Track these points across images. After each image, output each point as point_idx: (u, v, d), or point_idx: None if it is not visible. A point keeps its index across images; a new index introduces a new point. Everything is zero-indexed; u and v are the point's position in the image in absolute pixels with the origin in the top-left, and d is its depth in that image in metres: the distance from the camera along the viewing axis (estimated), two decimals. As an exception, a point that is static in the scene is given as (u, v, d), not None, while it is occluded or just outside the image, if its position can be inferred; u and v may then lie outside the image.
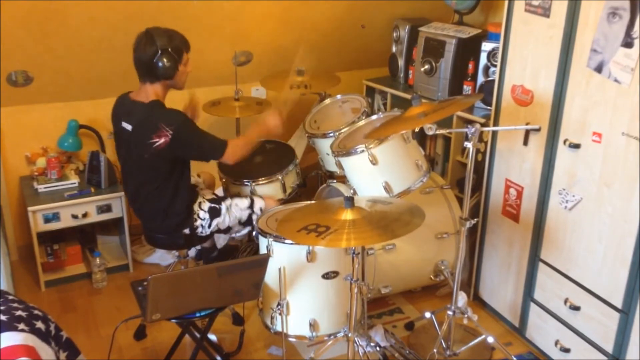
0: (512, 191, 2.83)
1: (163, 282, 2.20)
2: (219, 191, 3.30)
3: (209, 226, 2.82)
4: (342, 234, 2.06)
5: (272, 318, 2.64)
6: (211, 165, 3.08)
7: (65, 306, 3.24)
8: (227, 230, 2.89)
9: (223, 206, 2.85)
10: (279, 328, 2.63)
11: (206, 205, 2.83)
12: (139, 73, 2.63)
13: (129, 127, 2.64)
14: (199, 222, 2.80)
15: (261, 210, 2.90)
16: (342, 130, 3.02)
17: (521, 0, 2.60)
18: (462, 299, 2.70)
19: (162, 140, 2.55)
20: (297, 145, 3.60)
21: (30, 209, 3.20)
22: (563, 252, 2.59)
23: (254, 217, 2.88)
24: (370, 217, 2.18)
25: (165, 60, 2.56)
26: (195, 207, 2.80)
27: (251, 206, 2.91)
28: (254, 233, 2.96)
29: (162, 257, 3.61)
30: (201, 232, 2.83)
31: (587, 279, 2.49)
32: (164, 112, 2.62)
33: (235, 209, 2.87)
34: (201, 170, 3.27)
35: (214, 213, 2.83)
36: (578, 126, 2.41)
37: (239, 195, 3.04)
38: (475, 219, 2.63)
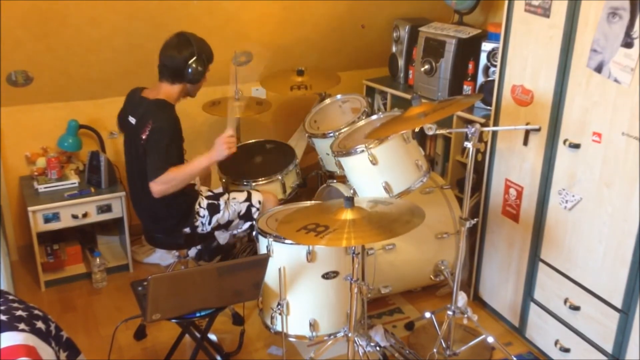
0: (512, 191, 2.83)
1: (163, 282, 2.20)
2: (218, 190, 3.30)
3: (209, 223, 2.83)
4: (341, 234, 2.06)
5: (272, 318, 2.65)
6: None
7: (65, 306, 3.24)
8: (228, 225, 2.89)
9: (221, 201, 2.86)
10: (279, 328, 2.63)
11: (204, 203, 2.84)
12: (162, 72, 2.67)
13: (133, 121, 2.67)
14: (199, 221, 2.81)
15: (259, 202, 2.91)
16: (342, 130, 3.02)
17: (521, 0, 2.60)
18: (462, 299, 2.70)
19: (144, 136, 2.59)
20: (297, 145, 3.60)
21: (30, 209, 3.19)
22: (563, 252, 2.59)
23: (253, 210, 2.89)
24: (370, 217, 2.18)
25: (198, 65, 2.63)
26: (196, 206, 2.81)
27: (249, 199, 2.91)
28: (254, 233, 2.96)
29: (162, 257, 3.61)
30: (202, 230, 2.83)
31: (587, 279, 2.49)
32: (158, 111, 2.64)
33: (233, 202, 2.88)
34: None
35: (213, 209, 2.83)
36: (578, 126, 2.41)
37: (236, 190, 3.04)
38: (475, 219, 2.63)
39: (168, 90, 2.68)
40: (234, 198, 2.90)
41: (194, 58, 2.61)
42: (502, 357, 2.82)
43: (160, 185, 2.57)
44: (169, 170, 2.56)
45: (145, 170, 2.66)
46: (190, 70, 2.62)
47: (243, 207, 2.89)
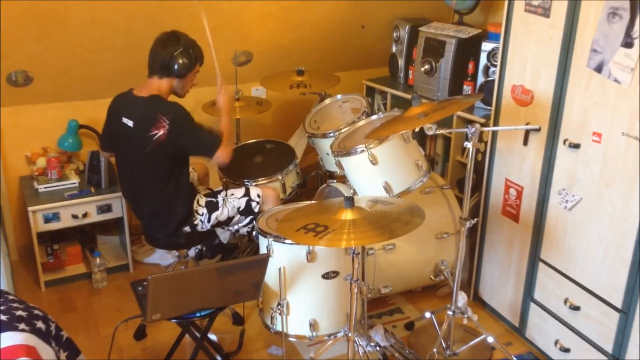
0: (512, 191, 2.83)
1: (163, 282, 2.20)
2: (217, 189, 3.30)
3: (208, 220, 2.83)
4: (341, 234, 2.06)
5: (272, 318, 2.65)
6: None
7: (65, 306, 3.24)
8: (228, 221, 2.89)
9: (219, 198, 2.87)
10: (279, 328, 2.63)
11: (203, 201, 2.84)
12: (151, 67, 2.71)
13: (130, 122, 2.67)
14: (198, 219, 2.81)
15: (259, 196, 2.91)
16: (342, 130, 3.02)
17: (521, 0, 2.60)
18: (462, 299, 2.70)
19: (161, 132, 2.58)
20: (297, 145, 3.60)
21: (30, 209, 3.20)
22: (563, 252, 2.59)
23: (253, 204, 2.89)
24: (370, 217, 2.18)
25: (183, 59, 2.67)
26: (194, 204, 2.81)
27: (247, 194, 2.91)
28: (254, 233, 2.96)
29: (162, 257, 3.61)
30: (201, 228, 2.84)
31: (587, 279, 2.49)
32: (162, 103, 2.67)
33: (232, 198, 2.89)
34: (194, 162, 3.25)
35: (212, 207, 2.84)
36: (578, 126, 2.41)
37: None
38: (475, 219, 2.63)
39: (158, 85, 2.70)
40: (232, 194, 2.90)
41: (179, 51, 2.66)
42: (502, 357, 2.82)
43: (226, 149, 2.73)
44: (218, 134, 2.73)
45: (150, 170, 2.67)
46: (175, 63, 2.66)
47: (242, 203, 2.89)
